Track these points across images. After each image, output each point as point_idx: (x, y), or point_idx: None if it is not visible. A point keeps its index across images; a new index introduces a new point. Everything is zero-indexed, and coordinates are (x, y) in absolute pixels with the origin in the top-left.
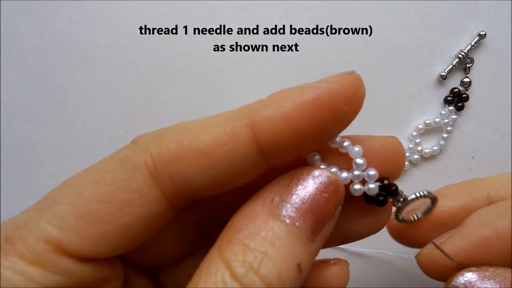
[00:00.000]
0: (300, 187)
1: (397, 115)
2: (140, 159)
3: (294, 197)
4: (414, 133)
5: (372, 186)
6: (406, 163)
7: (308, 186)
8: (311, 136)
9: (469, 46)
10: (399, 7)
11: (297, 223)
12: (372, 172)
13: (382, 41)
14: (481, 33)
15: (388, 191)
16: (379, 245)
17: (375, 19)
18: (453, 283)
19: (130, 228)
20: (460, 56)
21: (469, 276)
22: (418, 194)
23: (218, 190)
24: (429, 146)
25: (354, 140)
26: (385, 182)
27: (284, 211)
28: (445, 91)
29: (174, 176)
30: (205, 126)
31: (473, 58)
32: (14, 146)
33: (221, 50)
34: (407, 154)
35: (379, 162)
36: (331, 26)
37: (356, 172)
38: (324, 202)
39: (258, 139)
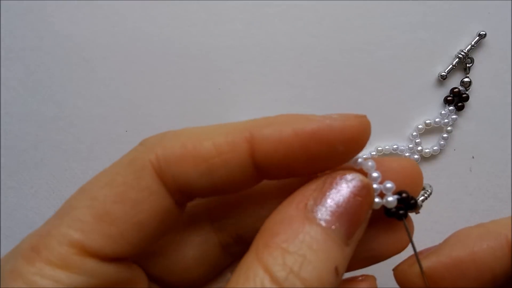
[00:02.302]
0: (334, 190)
1: (397, 115)
2: (146, 159)
3: (328, 200)
4: (414, 133)
5: (391, 199)
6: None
7: (342, 190)
8: (305, 163)
9: (469, 46)
10: (399, 7)
11: (333, 226)
12: (389, 184)
13: (382, 41)
14: (481, 33)
15: (407, 204)
16: None
17: (375, 19)
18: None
19: (145, 225)
20: (460, 56)
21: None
22: (426, 195)
23: (216, 194)
24: (429, 146)
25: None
26: (403, 195)
27: (319, 215)
28: (445, 91)
29: (176, 177)
30: (208, 134)
31: (473, 58)
32: (14, 146)
33: (221, 50)
34: (406, 154)
35: (398, 181)
36: (331, 26)
37: (374, 186)
38: (358, 205)
39: (254, 154)
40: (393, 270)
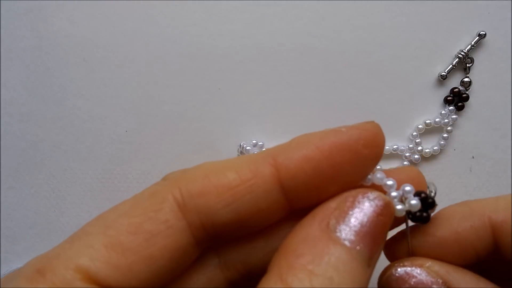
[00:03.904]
0: (357, 209)
1: (397, 115)
2: (168, 192)
3: (352, 220)
4: (414, 133)
5: (414, 202)
6: (406, 162)
7: (365, 209)
8: (332, 177)
9: (469, 46)
10: (399, 7)
11: (358, 247)
12: (408, 187)
13: (382, 41)
14: (481, 33)
15: (427, 205)
16: None
17: (375, 19)
18: (388, 277)
19: (156, 260)
20: (460, 56)
21: (399, 270)
22: (433, 194)
23: (240, 229)
24: (429, 146)
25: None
26: (423, 195)
27: (343, 235)
28: (445, 91)
29: (199, 209)
30: (230, 165)
31: (473, 58)
32: (14, 146)
33: (221, 50)
34: (407, 154)
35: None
36: (331, 26)
37: (394, 193)
38: (381, 225)
39: (280, 177)
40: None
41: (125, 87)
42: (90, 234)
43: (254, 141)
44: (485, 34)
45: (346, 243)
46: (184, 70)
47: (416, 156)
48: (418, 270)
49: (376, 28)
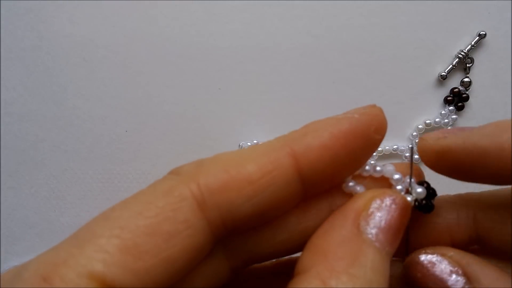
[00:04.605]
0: (384, 212)
1: (397, 115)
2: (186, 189)
3: (381, 221)
4: (414, 133)
5: (420, 189)
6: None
7: (391, 210)
8: (346, 164)
9: (469, 46)
10: (399, 7)
11: (386, 248)
12: (409, 179)
13: (382, 41)
14: (481, 33)
15: (430, 193)
16: None
17: (375, 19)
18: (408, 260)
19: (175, 261)
20: (460, 56)
21: (422, 258)
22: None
23: (259, 220)
24: None
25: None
26: (425, 184)
27: (374, 237)
28: (445, 91)
29: (221, 206)
30: (249, 156)
31: (473, 58)
32: (14, 146)
33: (221, 50)
34: (407, 154)
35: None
36: (331, 26)
37: (399, 187)
38: (403, 225)
39: (299, 167)
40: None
41: (125, 87)
42: (102, 237)
43: (255, 141)
44: (485, 34)
45: (377, 244)
46: (184, 70)
47: (416, 156)
48: (439, 258)
49: (376, 28)
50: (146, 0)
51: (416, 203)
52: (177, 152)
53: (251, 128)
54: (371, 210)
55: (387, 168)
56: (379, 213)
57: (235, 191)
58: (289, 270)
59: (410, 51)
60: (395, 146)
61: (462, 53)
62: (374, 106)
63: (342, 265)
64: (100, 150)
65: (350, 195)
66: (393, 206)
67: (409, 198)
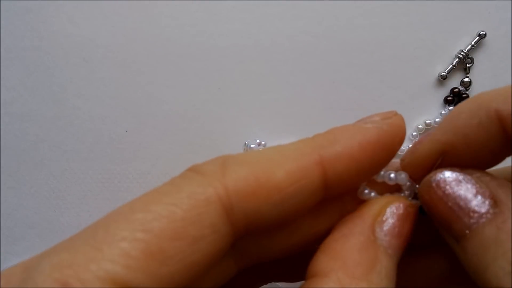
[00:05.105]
0: (398, 220)
1: None
2: (213, 193)
3: (396, 230)
4: (414, 133)
5: None
6: None
7: (404, 219)
8: (366, 172)
9: (469, 46)
10: (399, 7)
11: (397, 256)
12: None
13: (382, 41)
14: (481, 33)
15: None
16: None
17: (375, 19)
18: (428, 177)
19: (198, 265)
20: (460, 56)
21: (447, 174)
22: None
23: (279, 224)
24: None
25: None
26: None
27: (387, 243)
28: (445, 91)
29: (247, 212)
30: (277, 160)
31: (473, 58)
32: (14, 146)
33: (221, 50)
34: None
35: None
36: (331, 26)
37: (406, 192)
38: (412, 232)
39: (326, 176)
40: (401, 160)
41: (125, 87)
42: (124, 240)
43: (258, 141)
44: (485, 34)
45: (389, 251)
46: (184, 70)
47: None
48: (466, 177)
49: (376, 28)
50: (146, 0)
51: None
52: (177, 152)
53: (251, 128)
54: (385, 216)
55: (401, 176)
56: (393, 220)
57: (263, 198)
58: (286, 264)
59: (410, 51)
60: None
61: (462, 53)
62: (396, 114)
63: (361, 272)
64: (100, 150)
65: (361, 200)
66: (405, 213)
67: (414, 202)
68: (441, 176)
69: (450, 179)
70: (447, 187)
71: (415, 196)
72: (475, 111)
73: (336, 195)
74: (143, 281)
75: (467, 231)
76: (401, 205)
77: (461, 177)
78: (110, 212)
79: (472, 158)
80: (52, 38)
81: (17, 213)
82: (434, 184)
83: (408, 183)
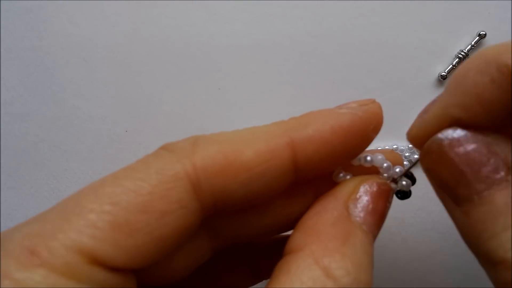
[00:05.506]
0: (372, 197)
1: (397, 115)
2: (181, 169)
3: (370, 206)
4: None
5: (405, 182)
6: (406, 163)
7: (378, 196)
8: (340, 157)
9: (469, 46)
10: (399, 7)
11: (373, 232)
12: (398, 169)
13: (382, 41)
14: (481, 33)
15: (413, 181)
16: None
17: (375, 19)
18: (439, 135)
19: (165, 239)
20: (460, 56)
21: (459, 133)
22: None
23: (247, 204)
24: None
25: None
26: (409, 174)
27: (362, 219)
28: None
29: (215, 189)
30: (247, 140)
31: None
32: (14, 146)
33: (221, 50)
34: (406, 154)
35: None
36: (331, 26)
37: (385, 175)
38: (387, 210)
39: (296, 158)
40: (407, 133)
41: (125, 87)
42: (92, 212)
43: None
44: (485, 34)
45: (364, 227)
46: (184, 70)
47: (416, 156)
48: (480, 138)
49: (376, 28)
50: (146, 0)
51: (397, 191)
52: None
53: None
54: (359, 194)
55: (377, 158)
56: (367, 197)
57: (231, 176)
58: (264, 246)
59: (410, 51)
60: (394, 146)
61: (462, 53)
62: (374, 102)
63: (334, 245)
64: (100, 150)
65: (337, 184)
66: (379, 191)
67: (394, 185)
68: (454, 134)
69: (463, 139)
70: (460, 148)
71: (393, 180)
72: (484, 68)
73: (309, 178)
74: (110, 252)
75: (475, 196)
76: (375, 183)
77: (474, 137)
78: (83, 187)
79: (487, 121)
80: (52, 38)
81: (17, 213)
82: (445, 143)
83: (385, 165)
